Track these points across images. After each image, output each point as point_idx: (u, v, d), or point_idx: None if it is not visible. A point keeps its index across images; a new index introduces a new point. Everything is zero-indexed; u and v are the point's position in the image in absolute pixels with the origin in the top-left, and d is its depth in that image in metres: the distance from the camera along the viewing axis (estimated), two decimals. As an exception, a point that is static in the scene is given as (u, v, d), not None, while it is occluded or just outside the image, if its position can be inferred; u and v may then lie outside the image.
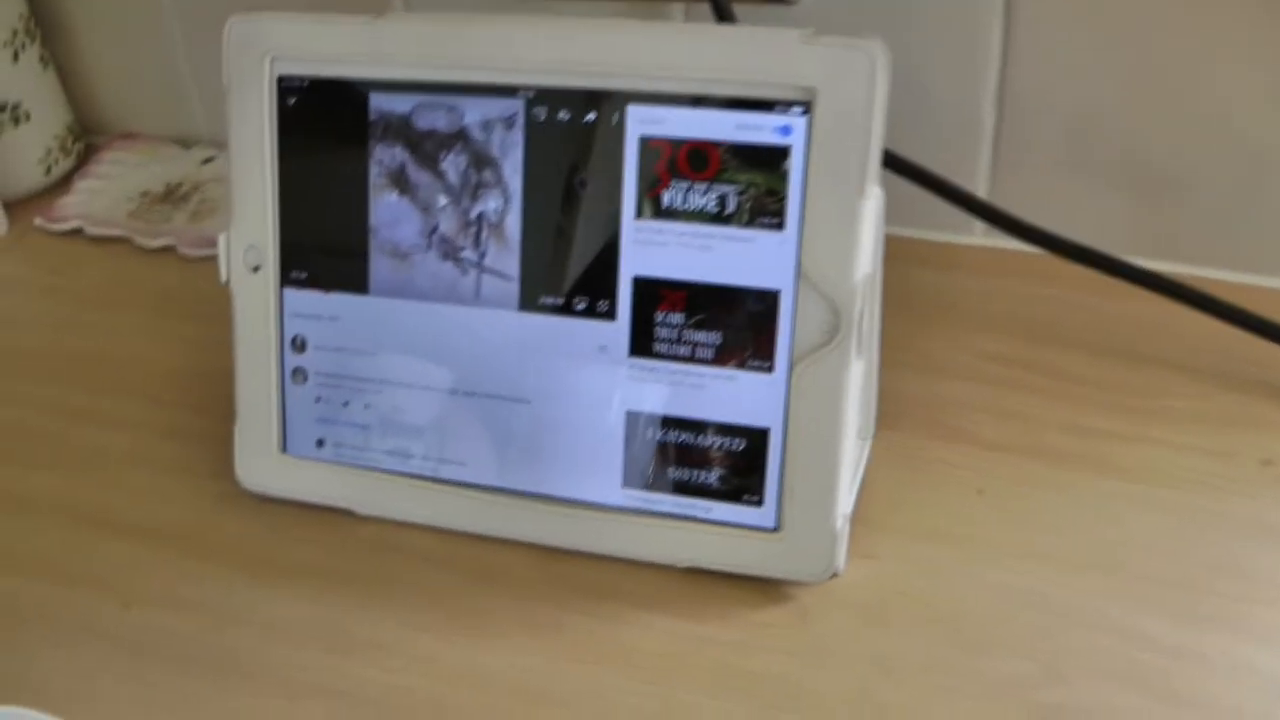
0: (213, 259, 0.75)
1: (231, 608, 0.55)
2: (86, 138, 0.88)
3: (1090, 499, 0.57)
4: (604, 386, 0.54)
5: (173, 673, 0.53)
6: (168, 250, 0.78)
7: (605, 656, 0.52)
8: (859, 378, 0.52)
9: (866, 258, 0.51)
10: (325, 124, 0.56)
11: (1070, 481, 0.58)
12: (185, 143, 0.86)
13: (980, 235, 0.72)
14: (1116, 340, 0.65)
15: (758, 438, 0.52)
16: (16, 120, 0.81)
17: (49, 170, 0.84)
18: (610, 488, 0.54)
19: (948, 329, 0.66)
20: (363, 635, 0.54)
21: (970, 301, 0.68)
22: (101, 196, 0.82)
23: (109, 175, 0.84)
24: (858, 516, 0.55)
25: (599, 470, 0.54)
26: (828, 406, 0.51)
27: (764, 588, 0.54)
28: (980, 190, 0.70)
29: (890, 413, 0.61)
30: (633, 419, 0.54)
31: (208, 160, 0.83)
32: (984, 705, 0.49)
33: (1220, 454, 0.58)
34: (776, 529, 0.53)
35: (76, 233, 0.81)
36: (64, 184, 0.85)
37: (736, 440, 0.53)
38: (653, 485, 0.54)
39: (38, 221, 0.81)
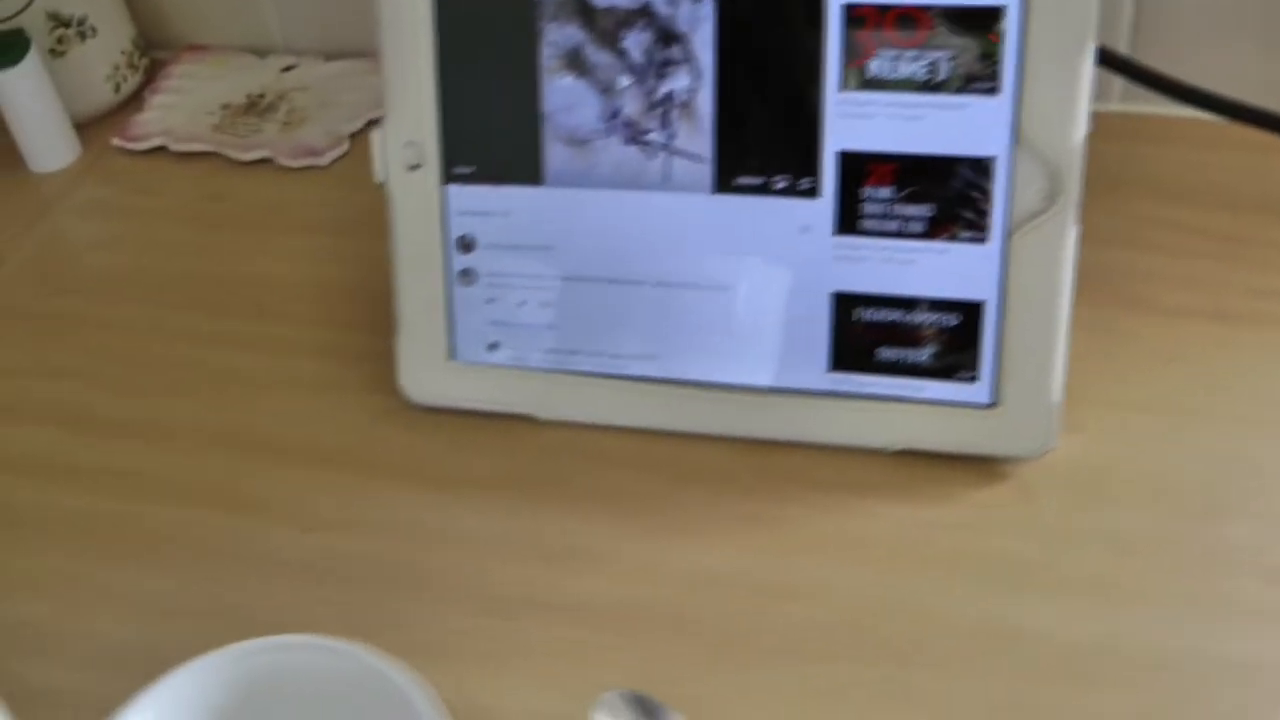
0: (313, 169, 0.73)
1: (418, 525, 0.53)
2: (152, 53, 0.83)
3: (1283, 360, 0.56)
4: (807, 268, 0.51)
5: (373, 596, 0.51)
6: (262, 163, 0.74)
7: (834, 547, 0.50)
8: (1076, 243, 0.50)
9: (1085, 118, 0.49)
10: (489, 5, 0.53)
11: (1261, 343, 0.57)
12: (259, 52, 0.82)
13: (1117, 101, 0.70)
14: (1282, 200, 0.63)
15: (972, 312, 0.51)
16: (83, 35, 0.76)
17: (118, 87, 0.79)
18: (815, 372, 0.52)
19: (1109, 198, 0.64)
20: (570, 545, 0.52)
21: (1125, 169, 0.66)
22: (178, 112, 0.78)
23: (182, 90, 0.80)
24: (1061, 390, 0.53)
25: (803, 355, 0.52)
26: (1047, 274, 0.50)
27: (977, 467, 0.52)
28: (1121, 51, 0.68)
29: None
30: (838, 300, 0.52)
31: (288, 69, 0.80)
32: (1218, 573, 0.48)
33: None
34: (993, 405, 0.51)
35: (158, 151, 0.77)
36: (134, 102, 0.81)
37: (949, 315, 0.51)
38: (861, 367, 0.52)
39: (115, 141, 0.77)
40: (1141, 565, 0.49)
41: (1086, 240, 0.60)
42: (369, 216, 0.68)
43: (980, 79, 0.48)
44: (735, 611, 0.48)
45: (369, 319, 0.62)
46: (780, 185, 0.51)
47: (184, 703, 0.35)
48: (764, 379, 0.53)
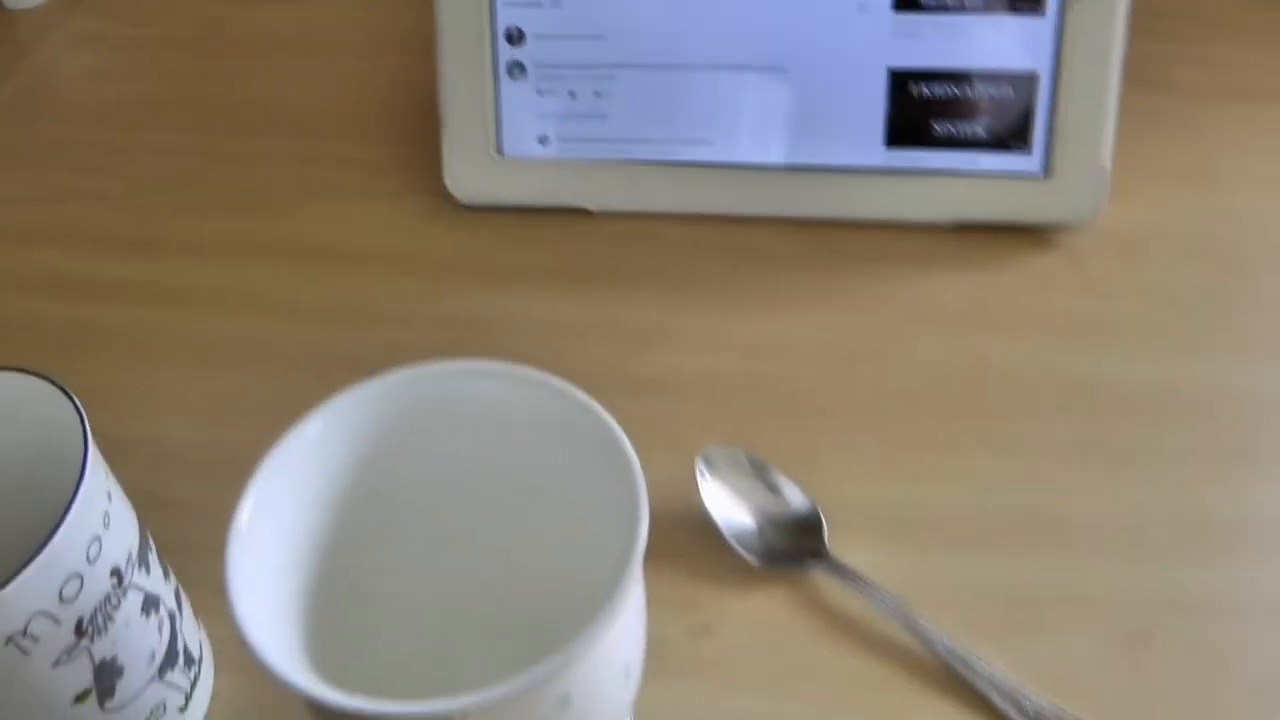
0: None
1: (479, 318, 0.53)
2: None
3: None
4: (865, 46, 0.52)
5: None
6: (258, -8, 0.72)
7: (901, 314, 0.52)
8: (1127, 14, 0.51)
9: (1139, -117, 0.50)
10: None
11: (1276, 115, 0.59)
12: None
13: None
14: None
15: (1026, 84, 0.52)
16: None
17: (94, -80, 0.76)
18: (873, 148, 0.53)
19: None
20: (638, 326, 0.52)
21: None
22: (161, -56, 0.75)
23: (161, -78, 0.77)
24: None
25: (861, 132, 0.53)
26: (1100, 45, 0.51)
27: (1028, 238, 0.54)
28: None
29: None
30: (896, 76, 0.52)
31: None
32: (1259, 319, 0.51)
33: None
34: (1045, 174, 0.53)
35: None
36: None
37: (1004, 88, 0.52)
38: (917, 141, 0.53)
39: (98, -25, 0.74)
40: (1192, 318, 0.51)
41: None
42: (380, 39, 0.68)
43: None
44: (814, 375, 0.50)
45: (397, 132, 0.62)
46: (839, -39, 0.51)
47: (353, 421, 0.35)
48: (824, 158, 0.54)
